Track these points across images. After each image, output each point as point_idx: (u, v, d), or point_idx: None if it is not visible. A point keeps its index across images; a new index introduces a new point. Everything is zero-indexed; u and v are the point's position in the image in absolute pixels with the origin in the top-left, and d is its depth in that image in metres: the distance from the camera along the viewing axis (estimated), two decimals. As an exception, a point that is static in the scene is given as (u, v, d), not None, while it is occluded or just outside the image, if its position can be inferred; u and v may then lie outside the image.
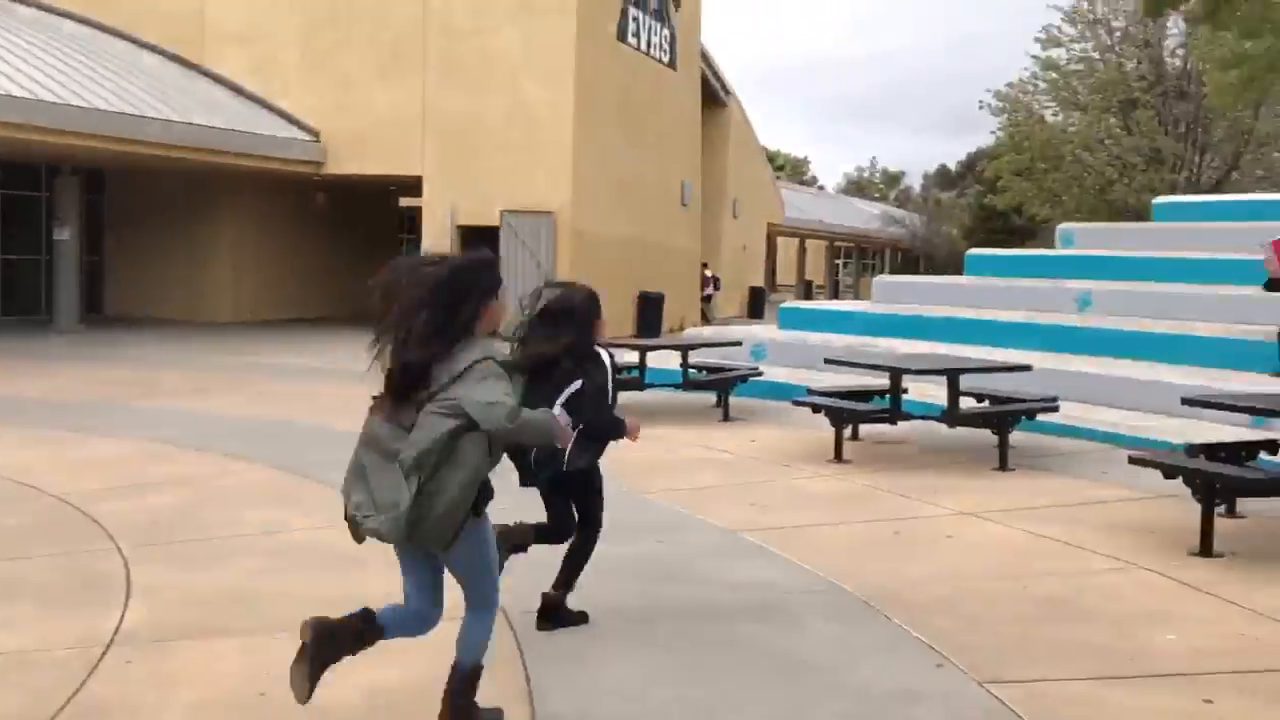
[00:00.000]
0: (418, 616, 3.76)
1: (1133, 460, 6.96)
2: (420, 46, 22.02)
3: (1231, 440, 7.26)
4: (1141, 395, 10.86)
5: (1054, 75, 33.14)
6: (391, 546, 3.67)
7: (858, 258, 59.70)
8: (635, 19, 23.86)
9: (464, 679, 3.75)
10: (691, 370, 12.05)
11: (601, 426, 4.75)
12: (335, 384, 13.26)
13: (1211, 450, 6.86)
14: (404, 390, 3.52)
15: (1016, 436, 9.27)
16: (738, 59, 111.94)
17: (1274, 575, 5.86)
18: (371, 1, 22.31)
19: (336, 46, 22.55)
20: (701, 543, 6.60)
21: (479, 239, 21.98)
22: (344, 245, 25.93)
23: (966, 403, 9.40)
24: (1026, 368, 9.82)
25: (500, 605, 3.93)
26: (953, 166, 74.99)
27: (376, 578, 4.90)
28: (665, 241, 25.82)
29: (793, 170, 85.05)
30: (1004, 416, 9.05)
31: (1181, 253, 14.17)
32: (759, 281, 38.81)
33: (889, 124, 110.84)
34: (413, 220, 23.68)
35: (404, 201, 22.73)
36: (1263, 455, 6.97)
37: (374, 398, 3.64)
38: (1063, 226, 16.61)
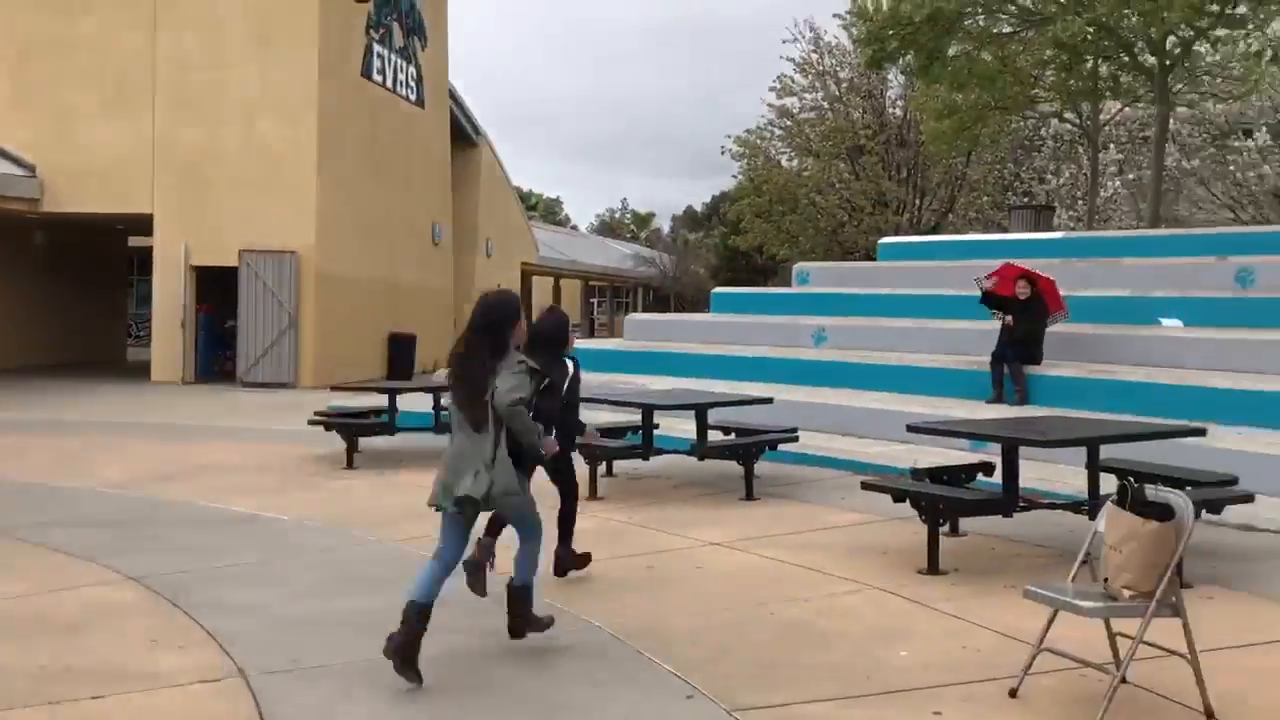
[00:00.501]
0: (448, 568, 5.15)
1: (865, 486, 7.34)
2: (149, 80, 20.88)
3: (953, 464, 7.79)
4: (873, 424, 11.51)
5: (788, 123, 34.94)
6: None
7: (611, 296, 60.79)
8: (380, 56, 23.51)
9: (524, 591, 5.36)
10: (444, 412, 11.84)
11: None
12: (47, 436, 12.26)
13: (935, 474, 7.33)
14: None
15: (761, 467, 9.61)
16: (489, 100, 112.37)
17: (992, 589, 6.30)
18: (93, 30, 20.98)
19: (54, 77, 21.05)
20: (455, 589, 6.44)
21: (216, 280, 20.98)
22: (65, 288, 24.13)
23: (714, 436, 9.69)
24: (768, 400, 10.22)
25: (240, 668, 3.73)
26: (699, 208, 77.73)
27: (95, 640, 4.52)
28: (417, 281, 25.44)
29: (546, 210, 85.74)
30: (749, 448, 9.37)
31: (905, 290, 15.17)
32: (513, 321, 38.74)
33: (638, 167, 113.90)
34: (144, 261, 22.31)
35: (133, 241, 21.42)
36: (980, 477, 7.50)
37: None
38: (799, 266, 17.48)
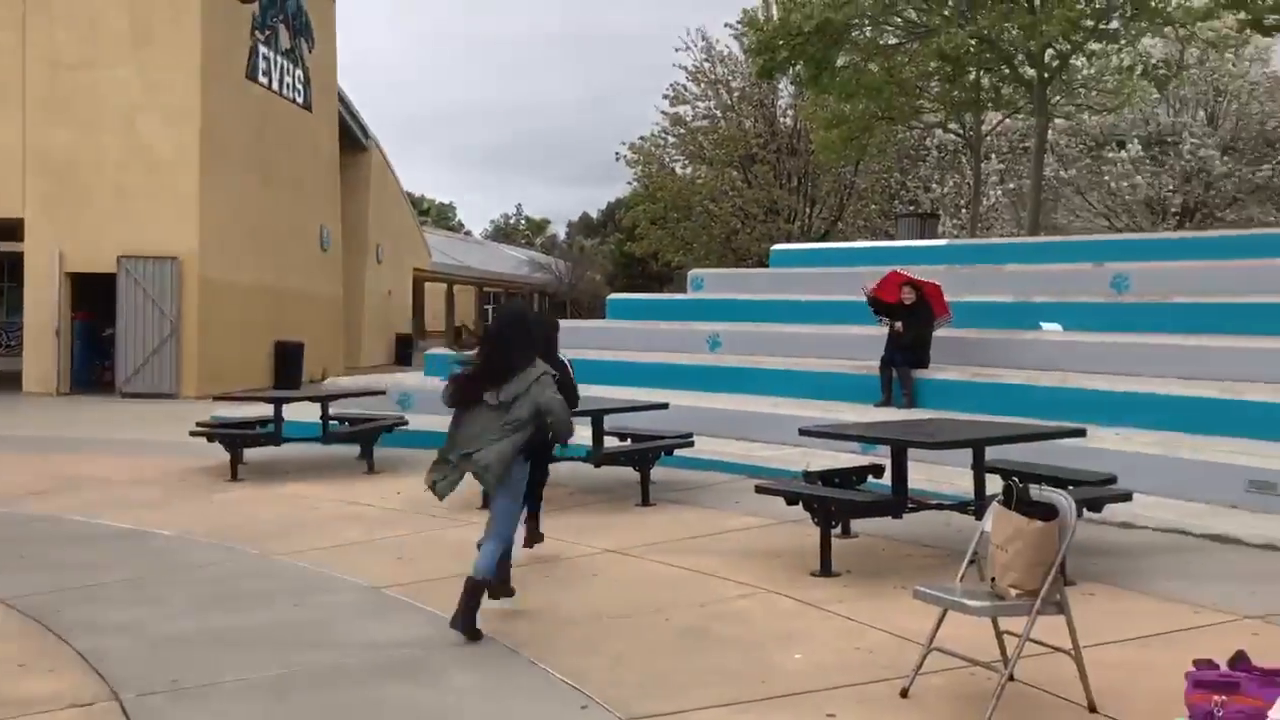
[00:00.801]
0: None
1: (759, 489, 7.38)
2: (18, 78, 20.03)
3: (844, 467, 7.88)
4: (766, 427, 11.61)
5: (682, 131, 35.19)
6: None
7: (507, 302, 60.38)
8: (266, 58, 22.96)
9: (481, 586, 5.62)
10: (333, 422, 11.59)
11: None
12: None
13: (826, 476, 7.41)
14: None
15: (658, 472, 9.60)
16: (383, 106, 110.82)
17: (883, 590, 6.38)
18: (-45, 25, 20.05)
19: (-88, 73, 20.06)
20: (342, 603, 6.30)
21: (94, 286, 20.22)
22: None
23: (611, 442, 9.65)
24: (663, 406, 10.21)
25: (114, 691, 3.56)
26: (595, 215, 77.74)
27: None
28: (305, 288, 24.87)
29: (439, 216, 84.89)
30: (645, 454, 9.35)
31: (795, 296, 15.36)
32: (406, 328, 38.26)
33: (534, 173, 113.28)
34: (14, 266, 21.38)
35: (1, 246, 20.48)
36: (871, 479, 7.60)
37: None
38: (693, 272, 17.57)
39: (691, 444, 9.94)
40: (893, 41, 20.30)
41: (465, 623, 5.43)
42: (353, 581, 6.72)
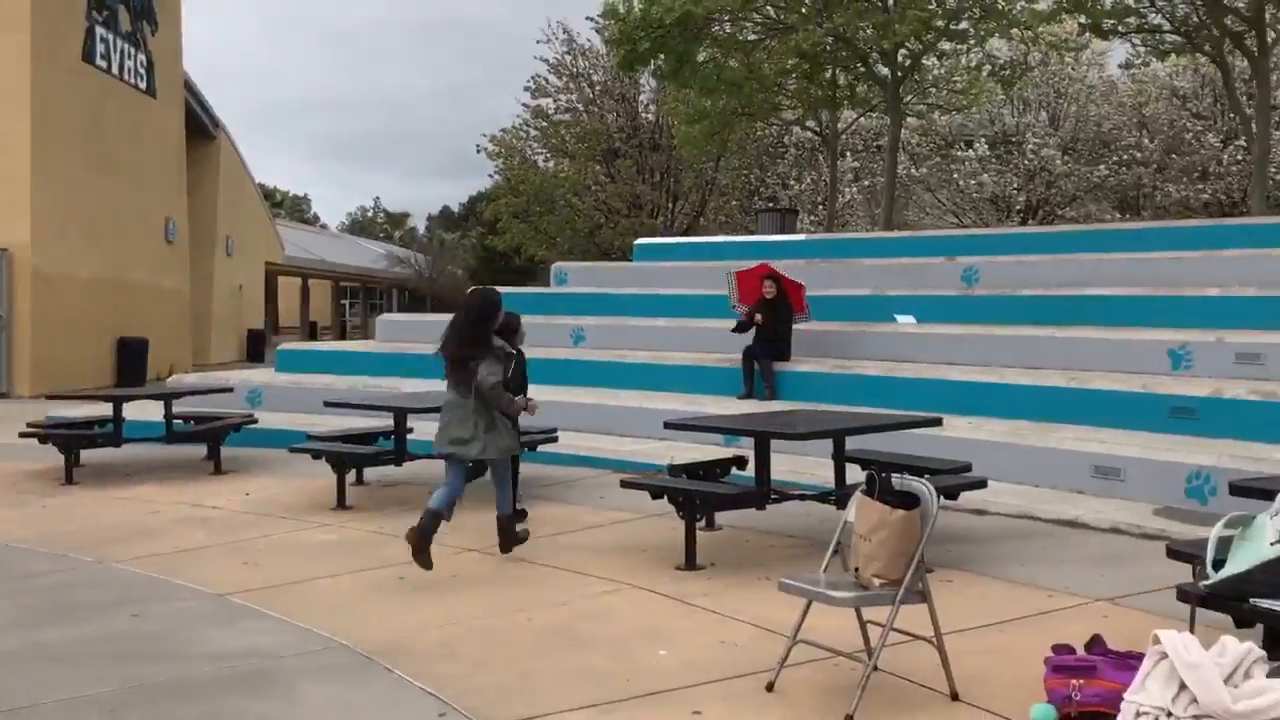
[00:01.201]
0: (454, 494, 6.83)
1: (624, 484, 7.28)
2: None
3: (708, 459, 7.85)
4: (631, 421, 11.55)
5: (544, 124, 34.94)
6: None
7: (365, 297, 59.04)
8: (104, 40, 21.81)
9: (507, 519, 7.06)
10: (177, 421, 11.04)
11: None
12: None
13: (691, 470, 7.36)
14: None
15: (522, 468, 9.41)
16: (234, 93, 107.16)
17: (748, 582, 6.35)
18: None
19: None
20: (185, 611, 5.95)
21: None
22: None
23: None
24: (935, 420, 9.97)
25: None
26: (456, 208, 76.65)
27: None
28: (149, 282, 23.77)
29: (293, 208, 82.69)
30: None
31: (659, 290, 15.34)
32: (259, 324, 37.01)
33: (392, 166, 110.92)
34: None
35: None
36: (734, 471, 7.58)
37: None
38: (556, 266, 17.39)
39: (555, 439, 9.80)
40: (752, 38, 20.50)
41: (419, 538, 6.43)
42: (197, 589, 6.37)
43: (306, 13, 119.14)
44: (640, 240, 18.50)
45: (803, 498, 7.28)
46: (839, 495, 6.89)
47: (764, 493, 6.84)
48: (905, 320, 12.87)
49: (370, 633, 5.45)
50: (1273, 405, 8.51)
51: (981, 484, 7.17)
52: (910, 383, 10.89)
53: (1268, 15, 16.01)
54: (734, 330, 12.28)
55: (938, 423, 7.65)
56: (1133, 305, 11.23)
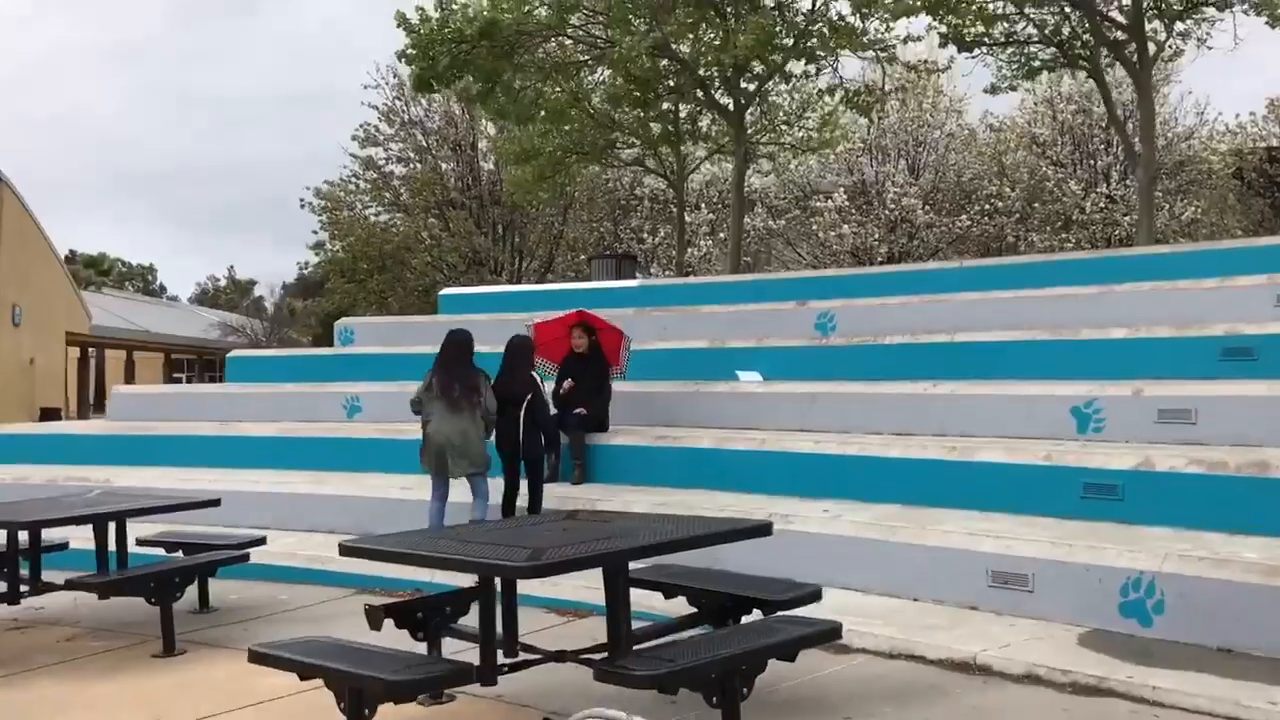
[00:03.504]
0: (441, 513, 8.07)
1: (253, 658, 4.51)
2: None
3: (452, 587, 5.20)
4: (394, 518, 8.84)
5: (374, 175, 32.09)
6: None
7: (201, 370, 54.79)
8: None
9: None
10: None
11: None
12: None
13: (408, 610, 4.71)
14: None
15: (226, 588, 6.83)
16: (91, 162, 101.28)
17: None
18: None
19: None
20: None
21: None
22: None
23: (157, 553, 6.65)
24: (213, 503, 7.20)
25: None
26: (313, 275, 73.04)
27: None
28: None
29: (139, 278, 78.21)
30: (167, 580, 6.33)
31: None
32: (57, 401, 32.97)
33: (256, 233, 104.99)
34: None
35: None
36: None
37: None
38: (342, 322, 14.56)
39: (246, 559, 7.03)
40: (578, 58, 18.12)
41: None
42: None
43: (175, 83, 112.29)
44: (446, 290, 15.84)
45: (559, 657, 4.64)
46: (615, 645, 4.33)
47: (489, 663, 4.21)
48: (749, 377, 10.47)
49: None
50: (1223, 480, 6.27)
51: (833, 634, 4.67)
52: (750, 457, 8.46)
53: (1148, 28, 14.36)
54: (555, 401, 9.46)
55: (767, 531, 5.08)
56: (1020, 353, 9.06)
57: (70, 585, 6.19)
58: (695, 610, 5.14)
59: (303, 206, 32.26)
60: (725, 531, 4.78)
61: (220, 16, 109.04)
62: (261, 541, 7.30)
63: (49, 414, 31.33)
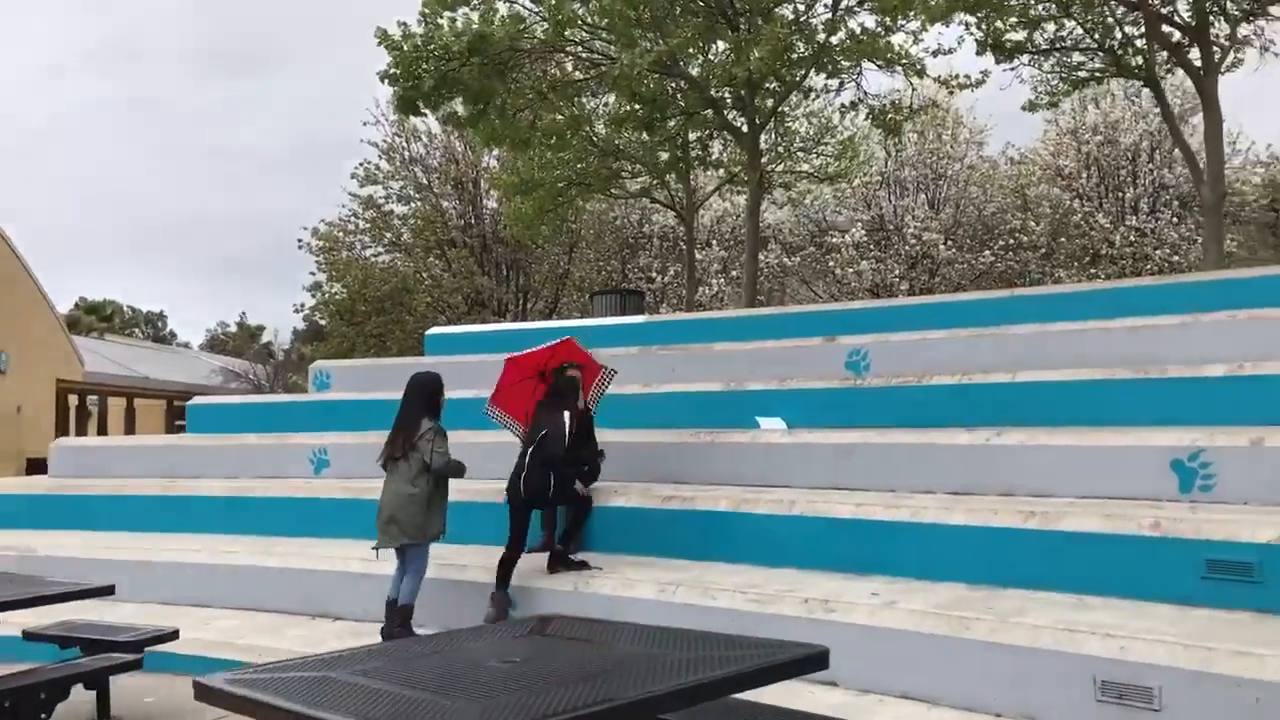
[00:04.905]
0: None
1: None
2: None
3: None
4: (347, 597, 7.43)
5: (373, 214, 30.91)
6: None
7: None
8: None
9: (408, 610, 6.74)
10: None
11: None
12: None
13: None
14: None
15: (145, 684, 5.42)
16: (114, 215, 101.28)
17: None
18: None
19: None
20: None
21: None
22: None
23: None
24: (106, 590, 5.73)
25: None
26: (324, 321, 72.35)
27: None
28: None
29: (148, 325, 77.75)
30: (36, 695, 4.90)
31: (451, 391, 11.28)
32: (44, 451, 31.66)
33: (276, 281, 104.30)
34: None
35: None
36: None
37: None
38: (318, 365, 13.17)
39: (138, 664, 5.58)
40: (578, 77, 16.80)
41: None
42: None
43: (184, 136, 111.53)
44: (433, 330, 14.45)
45: None
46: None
47: None
48: (771, 425, 9.01)
49: None
50: (1405, 560, 4.80)
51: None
52: (776, 523, 7.00)
53: (1213, 31, 12.89)
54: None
55: (817, 665, 3.56)
56: (1097, 395, 7.61)
57: None
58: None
59: (300, 247, 31.11)
60: (765, 668, 3.26)
61: (239, 71, 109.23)
62: (173, 636, 5.86)
63: (36, 465, 30.03)
